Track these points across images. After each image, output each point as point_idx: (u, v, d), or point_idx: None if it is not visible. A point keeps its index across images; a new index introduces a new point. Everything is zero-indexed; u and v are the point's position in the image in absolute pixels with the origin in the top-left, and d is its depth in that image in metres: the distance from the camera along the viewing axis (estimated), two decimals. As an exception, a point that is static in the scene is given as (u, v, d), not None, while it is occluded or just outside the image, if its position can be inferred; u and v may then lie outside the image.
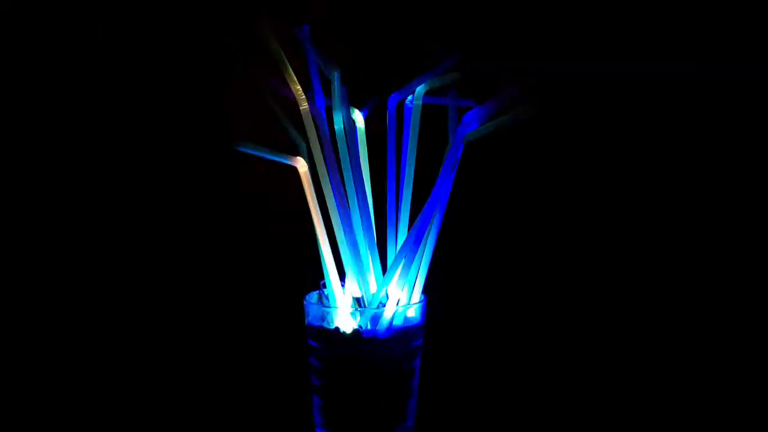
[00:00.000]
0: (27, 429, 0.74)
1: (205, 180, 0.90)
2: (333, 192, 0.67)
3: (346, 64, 0.67)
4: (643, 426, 0.75)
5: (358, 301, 0.68)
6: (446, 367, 0.81)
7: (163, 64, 0.90)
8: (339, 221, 0.67)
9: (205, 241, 0.91)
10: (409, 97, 0.69)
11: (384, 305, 0.67)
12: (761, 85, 0.85)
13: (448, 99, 0.68)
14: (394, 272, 0.67)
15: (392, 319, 0.67)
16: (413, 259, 0.67)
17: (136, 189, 0.91)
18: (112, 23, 0.89)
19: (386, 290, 0.67)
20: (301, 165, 0.66)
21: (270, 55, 0.66)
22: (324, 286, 0.69)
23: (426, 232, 0.67)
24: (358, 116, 0.70)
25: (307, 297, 0.69)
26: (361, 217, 0.68)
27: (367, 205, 0.68)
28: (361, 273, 0.68)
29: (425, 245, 0.68)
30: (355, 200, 0.68)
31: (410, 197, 0.69)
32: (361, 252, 0.68)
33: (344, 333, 0.67)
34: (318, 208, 0.67)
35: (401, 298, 0.68)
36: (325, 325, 0.67)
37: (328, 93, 0.67)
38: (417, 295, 0.69)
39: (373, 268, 0.69)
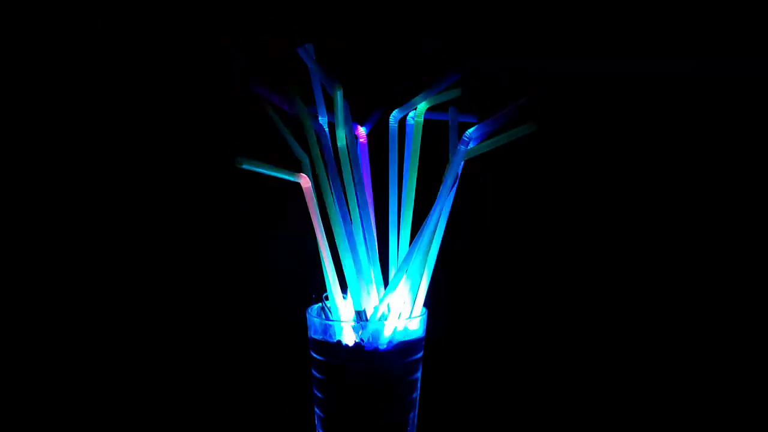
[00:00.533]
0: (27, 429, 0.74)
1: (207, 189, 0.91)
2: (336, 207, 0.68)
3: (348, 80, 0.67)
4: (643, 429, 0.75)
5: (360, 315, 0.69)
6: (447, 379, 0.82)
7: (163, 64, 0.90)
8: (342, 236, 0.68)
9: (208, 255, 0.91)
10: (411, 113, 0.69)
11: (386, 319, 0.68)
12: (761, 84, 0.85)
13: (448, 115, 0.68)
14: (396, 286, 0.68)
15: (394, 332, 0.68)
16: (415, 273, 0.68)
17: (136, 190, 0.91)
18: (112, 23, 0.89)
19: (388, 304, 0.68)
20: (305, 181, 0.67)
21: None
22: (326, 299, 0.70)
23: (427, 246, 0.67)
24: (360, 132, 0.70)
25: (309, 310, 0.70)
26: (363, 231, 0.69)
27: (370, 219, 0.69)
28: (363, 287, 0.69)
29: (426, 259, 0.68)
30: (358, 215, 0.68)
31: (411, 212, 0.69)
32: (363, 266, 0.69)
33: (346, 346, 0.68)
34: (321, 223, 0.68)
35: (403, 311, 0.68)
36: (327, 338, 0.68)
37: (331, 109, 0.67)
38: (418, 309, 0.70)
39: (375, 281, 0.69)
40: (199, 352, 0.89)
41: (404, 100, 0.69)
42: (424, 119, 0.69)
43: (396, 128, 0.70)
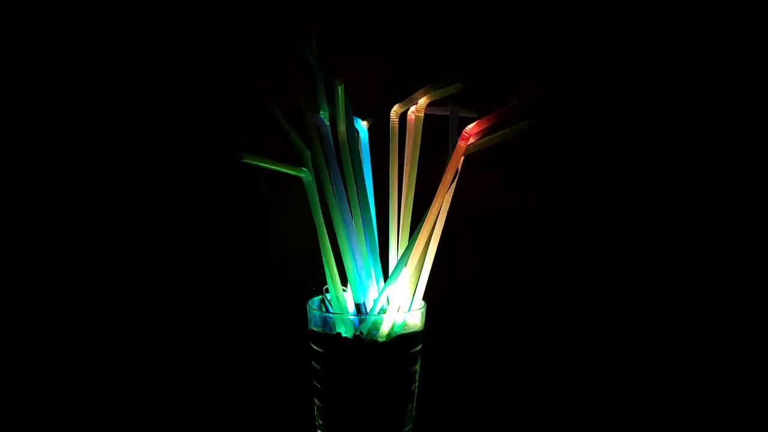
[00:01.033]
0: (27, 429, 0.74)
1: (207, 187, 0.91)
2: (336, 201, 0.68)
3: (350, 75, 0.68)
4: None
5: (360, 308, 0.69)
6: (445, 372, 0.82)
7: (163, 64, 0.90)
8: (342, 229, 0.69)
9: (209, 247, 0.91)
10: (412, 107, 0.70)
11: (385, 311, 0.68)
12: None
13: (449, 111, 0.69)
14: (395, 279, 0.68)
15: (393, 325, 0.68)
16: (414, 266, 0.68)
17: (136, 189, 0.91)
18: (112, 23, 0.89)
19: (387, 297, 0.69)
20: (306, 176, 0.67)
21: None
22: (326, 291, 0.70)
23: (426, 240, 0.68)
24: (363, 125, 0.71)
25: (309, 303, 0.71)
26: (363, 225, 0.69)
27: (370, 213, 0.70)
28: (363, 280, 0.70)
29: (425, 253, 0.69)
30: (358, 209, 0.69)
31: (412, 206, 0.70)
32: (363, 259, 0.69)
33: (346, 338, 0.68)
34: (321, 216, 0.68)
35: (402, 304, 0.69)
36: (327, 330, 0.69)
37: (332, 103, 0.68)
38: (417, 302, 0.70)
39: (375, 275, 0.70)
40: (202, 343, 0.90)
41: (405, 95, 0.69)
42: (425, 114, 0.69)
43: (397, 123, 0.70)
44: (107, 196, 0.92)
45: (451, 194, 0.69)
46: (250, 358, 0.88)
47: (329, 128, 0.69)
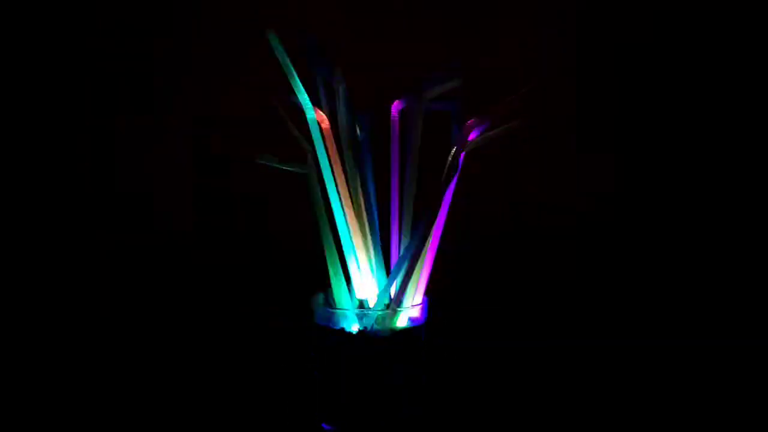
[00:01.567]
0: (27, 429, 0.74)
1: (208, 184, 0.91)
2: (338, 197, 0.69)
3: (351, 70, 0.68)
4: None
5: (363, 303, 0.69)
6: (448, 366, 0.82)
7: (163, 64, 0.90)
8: (344, 225, 0.69)
9: (214, 244, 0.91)
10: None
11: (387, 306, 0.69)
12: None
13: (450, 105, 0.69)
14: (398, 274, 0.69)
15: (395, 319, 0.69)
16: (416, 262, 0.69)
17: (137, 189, 0.92)
18: (112, 23, 0.89)
19: (390, 292, 0.69)
20: (308, 172, 0.68)
21: (276, 62, 0.67)
22: (329, 285, 0.70)
23: (428, 235, 0.68)
24: (364, 120, 0.71)
25: (313, 298, 0.71)
26: (365, 220, 0.69)
27: (372, 208, 0.70)
28: (366, 275, 0.70)
29: (427, 248, 0.69)
30: (360, 204, 0.69)
31: (413, 201, 0.70)
32: (365, 254, 0.70)
33: (349, 333, 0.68)
34: (324, 212, 0.68)
35: (404, 299, 0.69)
36: (330, 325, 0.69)
37: (333, 99, 0.68)
38: (419, 297, 0.70)
39: (377, 270, 0.70)
40: (203, 343, 0.90)
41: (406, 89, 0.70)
42: (425, 108, 0.70)
43: (398, 118, 0.70)
44: (107, 196, 0.92)
45: (453, 189, 0.69)
46: (255, 351, 0.88)
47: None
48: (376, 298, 0.69)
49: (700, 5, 0.87)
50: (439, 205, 0.68)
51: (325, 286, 0.70)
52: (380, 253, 0.70)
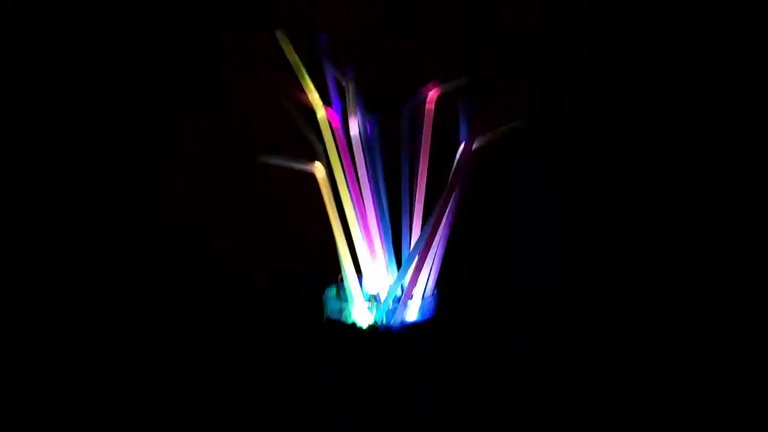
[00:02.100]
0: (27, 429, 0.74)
1: (207, 183, 0.92)
2: (350, 194, 0.70)
3: (361, 69, 0.69)
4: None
5: (374, 297, 0.70)
6: (458, 358, 0.83)
7: (163, 63, 0.91)
8: (356, 221, 0.70)
9: (213, 243, 0.92)
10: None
11: (398, 301, 0.70)
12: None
13: (459, 103, 0.71)
14: (409, 269, 0.70)
15: (406, 314, 0.70)
16: (426, 257, 0.70)
17: (137, 189, 0.92)
18: (112, 23, 0.89)
19: (401, 286, 0.70)
20: (319, 170, 0.69)
21: (287, 62, 0.68)
22: (341, 280, 0.71)
23: (438, 230, 0.69)
24: (373, 120, 0.72)
25: (326, 292, 0.72)
26: (377, 216, 0.71)
27: (383, 204, 0.71)
28: (377, 270, 0.71)
29: (438, 243, 0.70)
30: (371, 200, 0.70)
31: (423, 197, 0.72)
32: (376, 250, 0.71)
33: (360, 327, 0.69)
34: (335, 209, 0.69)
35: (415, 293, 0.70)
36: (342, 319, 0.70)
37: (344, 97, 0.69)
38: (430, 291, 0.72)
39: (388, 265, 0.71)
40: (219, 332, 0.90)
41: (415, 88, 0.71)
42: (436, 106, 0.71)
43: (408, 116, 0.71)
44: (107, 196, 0.92)
45: (462, 185, 0.70)
46: (268, 346, 0.88)
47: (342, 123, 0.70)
48: (387, 293, 0.70)
49: (701, 6, 0.89)
50: (448, 201, 0.69)
51: (337, 280, 0.71)
52: (391, 248, 0.72)
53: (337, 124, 0.70)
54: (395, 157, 0.72)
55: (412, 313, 0.70)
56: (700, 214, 0.90)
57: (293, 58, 0.67)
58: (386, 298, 0.70)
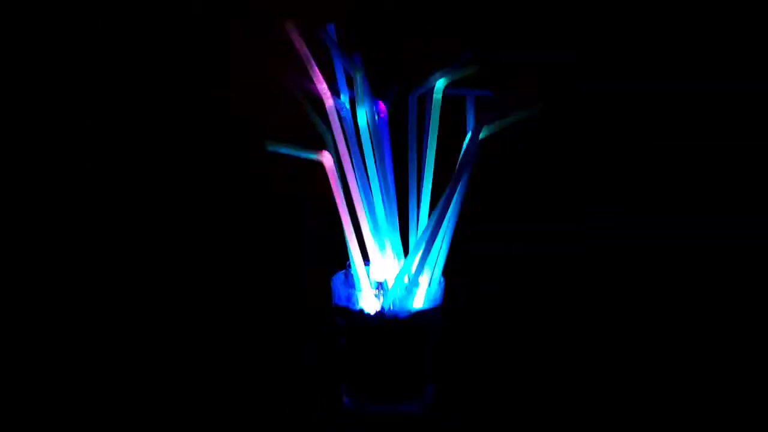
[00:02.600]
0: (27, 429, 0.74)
1: (212, 182, 0.92)
2: (358, 182, 0.70)
3: (368, 58, 0.70)
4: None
5: (381, 284, 0.71)
6: (464, 346, 0.83)
7: (163, 63, 0.91)
8: (364, 209, 0.70)
9: (236, 229, 0.92)
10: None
11: (405, 288, 0.70)
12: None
13: (466, 91, 0.71)
14: (415, 256, 0.70)
15: (413, 300, 0.70)
16: (433, 244, 0.70)
17: (137, 188, 0.92)
18: (112, 23, 0.90)
19: (408, 274, 0.71)
20: (327, 159, 0.69)
21: (295, 51, 0.69)
22: (349, 266, 0.72)
23: (445, 218, 0.70)
24: (382, 107, 0.73)
25: (333, 278, 0.72)
26: (384, 204, 0.71)
27: (390, 192, 0.72)
28: (384, 257, 0.71)
29: (445, 231, 0.71)
30: (378, 188, 0.71)
31: (431, 185, 0.72)
32: (384, 238, 0.71)
33: (368, 314, 0.70)
34: (343, 197, 0.70)
35: (421, 280, 0.71)
36: (350, 305, 0.70)
37: (352, 85, 0.70)
38: (436, 278, 0.72)
39: (396, 252, 0.72)
40: (229, 316, 0.90)
41: (423, 76, 0.71)
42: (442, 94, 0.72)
43: (416, 105, 0.72)
44: (107, 196, 0.92)
45: (469, 174, 0.70)
46: (277, 330, 0.88)
47: (350, 111, 0.71)
48: (395, 280, 0.71)
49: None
50: (455, 189, 0.69)
51: (345, 267, 0.72)
52: (398, 235, 0.72)
53: (345, 113, 0.71)
54: (403, 145, 0.73)
55: (418, 300, 0.70)
56: (699, 213, 0.91)
57: (302, 48, 0.67)
58: (393, 285, 0.70)
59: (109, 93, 0.91)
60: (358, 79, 0.69)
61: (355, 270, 0.71)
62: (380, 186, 0.71)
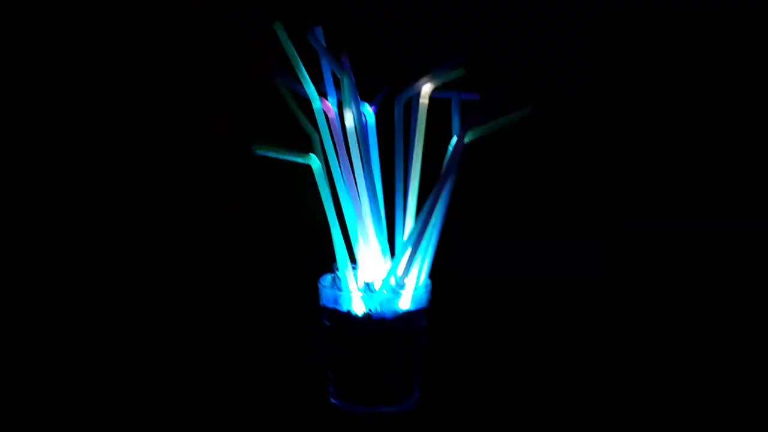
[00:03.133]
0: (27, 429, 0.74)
1: (212, 181, 0.92)
2: (345, 184, 0.70)
3: (355, 61, 0.70)
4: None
5: (368, 286, 0.71)
6: (449, 346, 0.84)
7: (163, 63, 0.91)
8: (351, 211, 0.71)
9: (226, 230, 0.92)
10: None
11: (392, 289, 0.70)
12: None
13: (452, 94, 0.71)
14: (402, 258, 0.71)
15: (399, 302, 0.70)
16: (420, 246, 0.70)
17: (137, 188, 0.92)
18: (112, 23, 0.90)
19: (394, 276, 0.71)
20: (314, 162, 0.69)
21: (283, 53, 0.69)
22: (337, 268, 0.72)
23: (431, 220, 0.70)
24: (369, 109, 0.73)
25: (321, 280, 0.72)
26: (371, 206, 0.71)
27: (377, 195, 0.72)
28: (372, 259, 0.72)
29: (431, 233, 0.71)
30: (366, 190, 0.71)
31: (417, 188, 0.72)
32: (371, 239, 0.71)
33: (355, 315, 0.70)
34: (331, 199, 0.70)
35: (408, 282, 0.71)
36: (337, 307, 0.71)
37: (339, 87, 0.70)
38: (423, 280, 0.72)
39: (383, 254, 0.72)
40: (216, 319, 0.91)
41: (410, 80, 0.71)
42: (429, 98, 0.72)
43: (402, 109, 0.72)
44: (107, 196, 0.92)
45: (455, 176, 0.70)
46: (266, 331, 0.88)
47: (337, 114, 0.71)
48: (382, 282, 0.71)
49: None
50: (441, 191, 0.69)
51: (332, 269, 0.72)
52: (386, 237, 0.72)
53: (333, 115, 0.71)
54: (389, 148, 0.73)
55: (405, 302, 0.71)
56: (699, 210, 0.90)
57: (290, 49, 0.68)
58: (380, 287, 0.71)
59: (109, 93, 0.91)
60: (346, 83, 0.69)
61: (343, 272, 0.71)
62: (367, 188, 0.71)
